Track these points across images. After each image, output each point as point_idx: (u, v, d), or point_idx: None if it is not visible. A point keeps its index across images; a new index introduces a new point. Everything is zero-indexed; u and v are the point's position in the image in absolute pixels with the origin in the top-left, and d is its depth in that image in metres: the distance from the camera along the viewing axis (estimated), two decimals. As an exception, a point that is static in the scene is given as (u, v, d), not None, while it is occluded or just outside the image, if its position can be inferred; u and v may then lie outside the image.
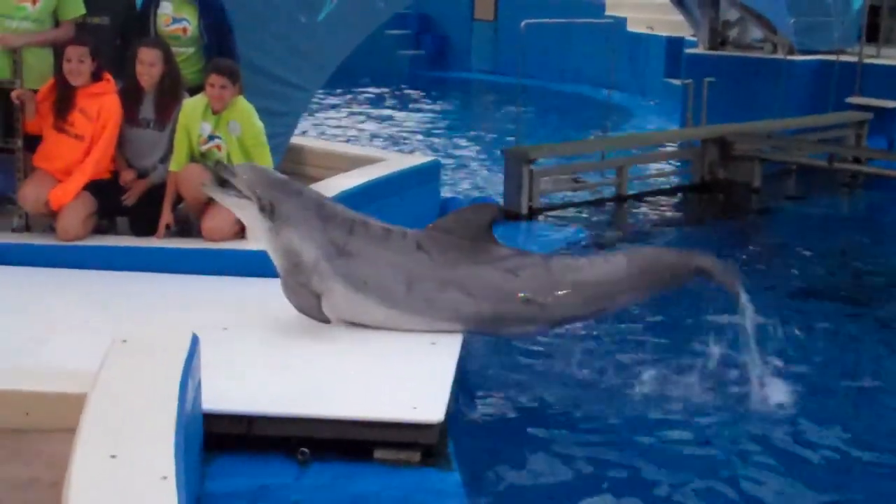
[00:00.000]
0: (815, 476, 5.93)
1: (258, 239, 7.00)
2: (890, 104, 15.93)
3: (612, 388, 6.84)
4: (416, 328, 6.75)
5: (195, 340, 5.22)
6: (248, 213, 6.84)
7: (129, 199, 8.15)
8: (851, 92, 16.37)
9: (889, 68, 16.28)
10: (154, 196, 8.18)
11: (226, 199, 6.88)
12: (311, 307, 6.72)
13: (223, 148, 8.01)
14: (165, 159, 8.20)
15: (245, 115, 7.96)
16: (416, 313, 6.75)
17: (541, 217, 12.01)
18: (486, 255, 6.88)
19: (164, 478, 4.00)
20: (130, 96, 8.21)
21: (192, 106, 8.03)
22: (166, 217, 8.11)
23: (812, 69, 16.90)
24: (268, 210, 6.71)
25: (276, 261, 6.85)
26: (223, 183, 6.81)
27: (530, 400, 6.73)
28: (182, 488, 3.98)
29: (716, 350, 7.07)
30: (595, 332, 7.70)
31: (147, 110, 8.22)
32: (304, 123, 14.18)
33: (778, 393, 6.85)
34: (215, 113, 7.95)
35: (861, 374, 7.46)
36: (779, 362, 7.36)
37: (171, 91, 8.21)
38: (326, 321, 6.72)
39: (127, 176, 8.20)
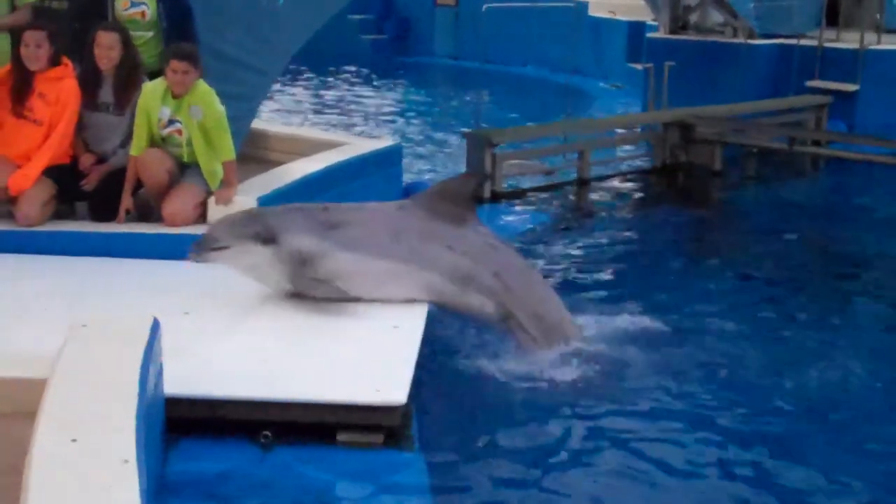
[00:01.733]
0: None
1: (269, 273, 7.00)
2: (849, 88, 16.05)
3: (577, 370, 6.85)
4: (407, 282, 7.01)
5: (156, 325, 5.19)
6: (252, 253, 6.86)
7: (89, 184, 8.09)
8: (811, 76, 16.47)
9: (849, 52, 16.38)
10: (114, 181, 8.12)
11: (230, 257, 6.90)
12: (332, 290, 6.89)
13: (183, 132, 7.98)
14: (125, 144, 8.14)
15: (206, 99, 7.92)
16: (405, 262, 7.00)
17: (503, 201, 12.01)
18: (466, 220, 7.28)
19: (125, 461, 3.98)
20: (89, 81, 8.15)
21: (151, 90, 7.98)
22: (126, 202, 8.06)
23: (772, 53, 17.00)
24: (267, 239, 6.82)
25: (287, 273, 6.94)
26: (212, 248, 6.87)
27: (494, 381, 6.72)
28: (143, 472, 3.96)
29: None
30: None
31: (106, 94, 8.16)
32: (265, 108, 14.11)
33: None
34: (175, 97, 7.91)
35: (823, 353, 7.49)
36: (736, 345, 7.44)
37: (129, 75, 8.16)
38: (353, 297, 6.90)
39: (86, 161, 8.14)
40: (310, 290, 6.89)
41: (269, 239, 6.83)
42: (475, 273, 7.12)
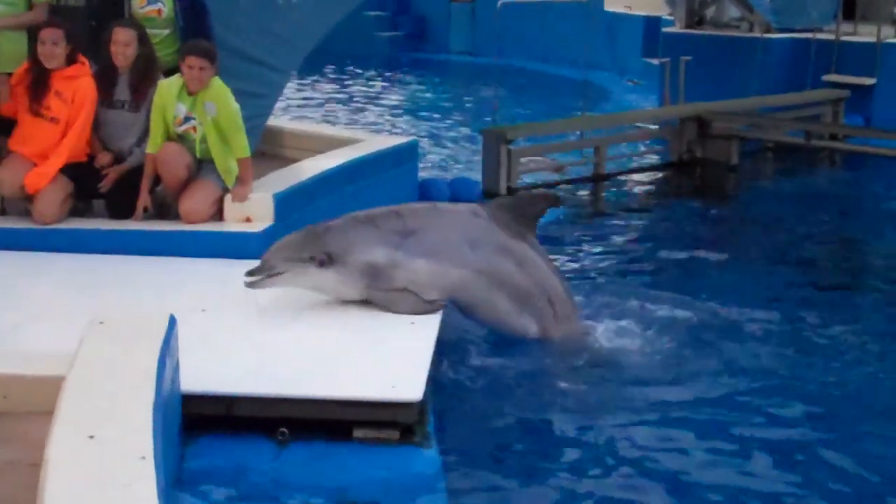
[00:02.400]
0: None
1: (337, 290, 6.88)
2: (866, 81, 15.99)
3: (595, 369, 6.84)
4: (474, 294, 6.98)
5: (173, 321, 5.21)
6: (310, 274, 6.77)
7: (105, 185, 8.11)
8: (828, 70, 16.42)
9: (865, 46, 16.32)
10: (131, 179, 8.14)
11: (285, 280, 6.77)
12: (411, 302, 6.78)
13: (198, 130, 7.99)
14: (141, 142, 8.16)
15: (221, 96, 7.93)
16: (481, 273, 6.96)
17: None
18: (528, 236, 7.31)
19: (143, 458, 4.00)
20: (105, 78, 8.17)
21: (167, 87, 8.00)
22: (143, 199, 8.08)
23: (789, 47, 16.95)
24: (324, 260, 6.71)
25: (357, 289, 6.83)
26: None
27: (511, 379, 6.73)
28: (160, 468, 3.98)
29: None
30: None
31: (122, 92, 8.18)
32: (280, 105, 14.12)
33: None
34: (191, 94, 7.92)
35: (842, 348, 7.47)
36: (752, 342, 7.42)
37: (146, 72, 8.18)
38: (435, 308, 6.79)
39: (103, 159, 8.16)
40: (388, 303, 6.78)
41: (328, 260, 6.70)
42: (533, 296, 7.12)
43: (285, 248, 6.80)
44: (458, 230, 7.05)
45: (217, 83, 7.96)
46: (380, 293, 6.79)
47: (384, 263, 6.78)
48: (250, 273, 6.69)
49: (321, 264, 6.71)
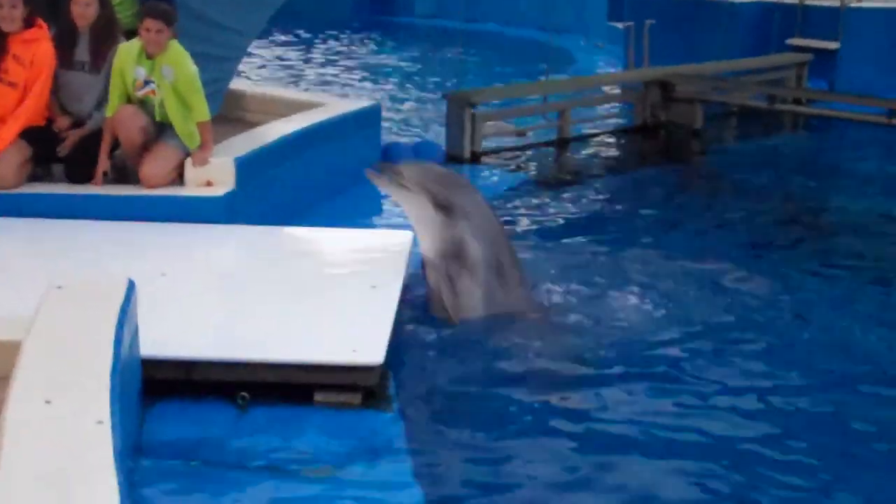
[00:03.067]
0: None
1: (422, 229, 6.97)
2: (830, 45, 16.02)
3: (553, 335, 6.85)
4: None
5: (131, 286, 5.17)
6: (419, 207, 6.87)
7: (64, 149, 8.04)
8: (792, 34, 16.43)
9: (829, 10, 16.33)
10: (90, 143, 8.07)
11: (399, 194, 6.94)
12: (450, 303, 6.85)
13: (158, 93, 7.93)
14: (101, 105, 8.09)
15: (178, 60, 7.86)
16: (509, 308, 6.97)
17: (484, 160, 11.98)
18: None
19: (100, 422, 3.97)
20: (65, 39, 8.09)
21: (126, 50, 7.93)
22: (103, 164, 8.01)
23: (753, 11, 16.93)
24: (444, 206, 6.79)
25: (437, 250, 6.89)
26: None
27: (473, 342, 6.72)
28: (118, 433, 3.96)
29: None
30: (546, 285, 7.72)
31: (82, 53, 8.10)
32: (243, 68, 14.03)
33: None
34: (149, 57, 7.85)
35: (804, 311, 7.51)
36: (713, 307, 7.45)
37: (106, 33, 8.10)
38: (454, 321, 6.82)
39: (62, 123, 8.08)
40: (435, 283, 6.88)
41: (444, 207, 6.81)
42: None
43: (424, 174, 6.91)
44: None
45: (175, 47, 7.89)
46: (440, 271, 6.86)
47: (471, 258, 6.88)
48: (379, 168, 6.89)
49: (437, 208, 6.81)
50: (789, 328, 7.18)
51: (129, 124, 7.88)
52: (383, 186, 7.00)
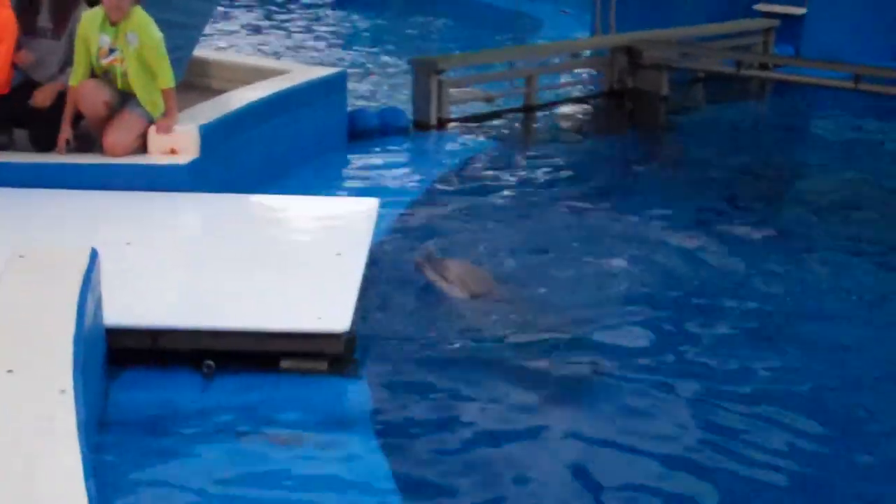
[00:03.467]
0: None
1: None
2: (797, 11, 16.03)
3: (523, 307, 6.85)
4: None
5: (94, 255, 5.15)
6: (454, 294, 6.92)
7: (40, 100, 7.97)
8: (759, -1, 16.46)
9: (796, -25, 16.34)
10: (53, 111, 8.01)
11: (443, 285, 6.98)
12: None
13: (122, 63, 7.87)
14: (64, 69, 8.04)
15: (142, 25, 7.80)
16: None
17: (451, 127, 11.95)
18: None
19: (63, 391, 3.97)
20: (27, 5, 8.03)
21: (90, 18, 7.85)
22: (66, 132, 7.95)
23: (720, -24, 16.93)
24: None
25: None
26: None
27: (440, 309, 6.73)
28: (81, 402, 3.95)
29: None
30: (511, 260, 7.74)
31: (44, 19, 8.06)
32: (207, 35, 13.93)
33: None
34: (113, 24, 7.78)
35: (772, 281, 7.54)
36: (680, 274, 7.48)
37: (67, -1, 8.06)
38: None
39: (25, 58, 8.00)
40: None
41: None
42: None
43: (466, 275, 7.04)
44: None
45: (138, 13, 7.83)
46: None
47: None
48: (428, 261, 7.05)
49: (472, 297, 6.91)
50: (758, 294, 7.21)
51: (92, 98, 7.83)
52: (429, 276, 7.00)
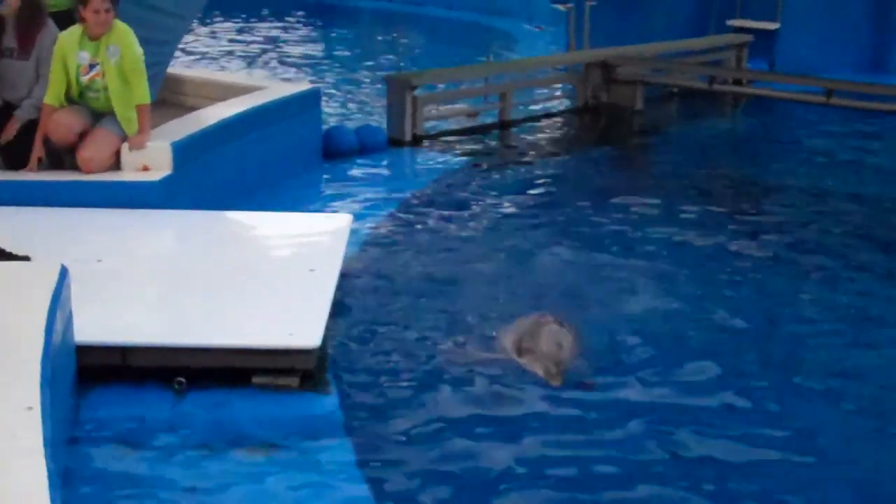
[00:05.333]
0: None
1: None
2: (770, 26, 16.14)
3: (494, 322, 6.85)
4: None
5: (64, 272, 5.13)
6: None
7: (7, 137, 7.98)
8: (732, 14, 16.55)
9: (769, -10, 16.45)
10: (25, 129, 8.00)
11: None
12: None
13: (104, 76, 7.86)
14: (31, 93, 8.03)
15: (125, 38, 7.82)
16: None
17: (425, 144, 11.96)
18: None
19: (30, 408, 3.95)
20: (-7, 27, 8.02)
21: (67, 37, 7.85)
22: (38, 150, 7.94)
23: (693, -8, 17.05)
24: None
25: None
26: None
27: (412, 326, 6.72)
28: (48, 419, 3.93)
29: None
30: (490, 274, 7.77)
31: (10, 39, 8.02)
32: (181, 52, 13.92)
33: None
34: (93, 39, 7.78)
35: (748, 295, 7.58)
36: (661, 285, 7.51)
37: (32, 18, 8.02)
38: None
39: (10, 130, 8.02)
40: None
41: None
42: None
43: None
44: None
45: (120, 26, 7.85)
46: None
47: None
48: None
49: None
50: (734, 305, 7.27)
51: (64, 130, 7.87)
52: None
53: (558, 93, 14.76)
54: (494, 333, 6.58)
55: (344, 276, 6.86)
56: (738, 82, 14.56)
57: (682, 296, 7.37)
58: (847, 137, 12.86)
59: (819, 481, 5.14)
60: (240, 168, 9.02)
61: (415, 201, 9.74)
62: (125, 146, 7.92)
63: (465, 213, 9.39)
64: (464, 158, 11.52)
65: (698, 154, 12.25)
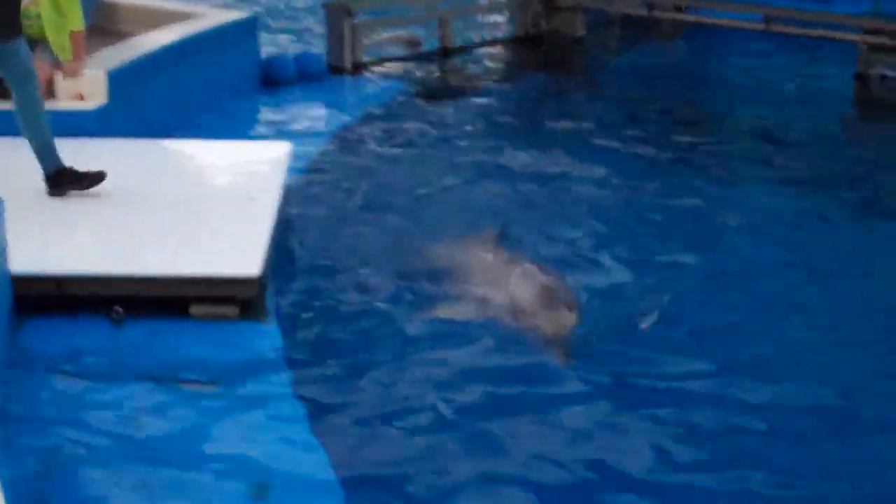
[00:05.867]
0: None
1: None
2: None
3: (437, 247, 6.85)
4: None
5: (-1, 204, 5.06)
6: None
7: None
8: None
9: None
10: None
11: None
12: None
13: (37, 3, 7.70)
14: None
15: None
16: None
17: (365, 72, 11.87)
18: None
19: (-37, 339, 3.90)
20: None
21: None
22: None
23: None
24: None
25: None
26: None
27: (354, 255, 6.69)
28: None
29: None
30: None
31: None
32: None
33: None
34: (25, -36, 7.61)
35: (687, 218, 7.63)
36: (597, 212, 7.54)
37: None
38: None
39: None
40: None
41: None
42: None
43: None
44: None
45: (51, -50, 7.66)
46: None
47: None
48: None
49: None
50: (679, 232, 7.36)
51: None
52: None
53: (500, 19, 14.66)
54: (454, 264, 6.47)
55: (284, 204, 6.81)
56: (678, 9, 14.49)
57: (612, 222, 7.43)
58: (784, 64, 12.91)
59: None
60: (177, 96, 8.90)
61: (355, 129, 9.68)
62: (59, 75, 7.78)
63: (406, 141, 9.35)
64: (404, 86, 11.45)
65: (639, 82, 12.26)
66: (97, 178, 6.52)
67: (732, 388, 5.27)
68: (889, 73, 11.61)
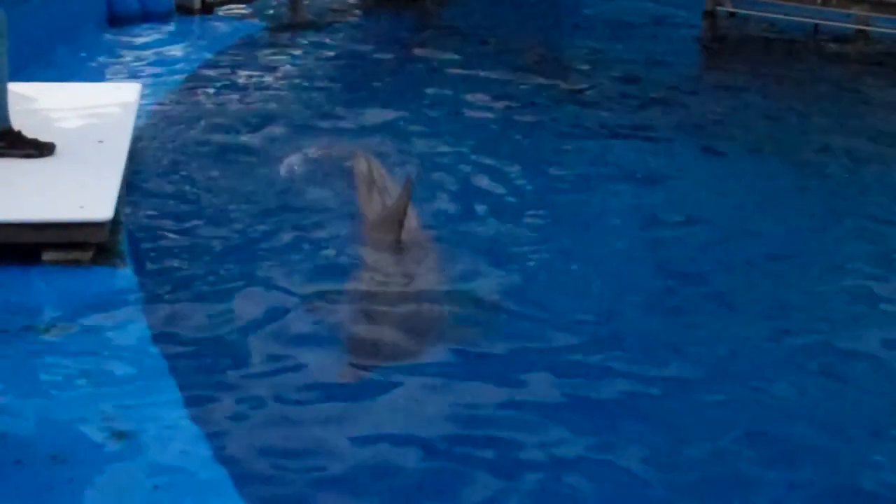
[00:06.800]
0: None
1: None
2: None
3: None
4: None
5: None
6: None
7: None
8: None
9: None
10: None
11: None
12: None
13: None
14: None
15: None
16: None
17: (217, 11, 11.62)
18: None
19: None
20: None
21: None
22: None
23: None
24: None
25: None
26: None
27: (207, 198, 6.60)
28: None
29: None
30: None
31: None
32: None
33: None
34: None
35: (540, 149, 7.75)
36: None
37: None
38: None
39: None
40: None
41: None
42: None
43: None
44: None
45: None
46: None
47: None
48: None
49: None
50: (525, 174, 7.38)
51: None
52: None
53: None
54: None
55: (135, 147, 6.67)
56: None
57: (462, 143, 7.58)
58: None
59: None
60: (17, 36, 8.58)
61: (205, 70, 9.51)
62: None
63: (256, 82, 9.22)
64: (257, 24, 11.30)
65: (495, 16, 12.27)
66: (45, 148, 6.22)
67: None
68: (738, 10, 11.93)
